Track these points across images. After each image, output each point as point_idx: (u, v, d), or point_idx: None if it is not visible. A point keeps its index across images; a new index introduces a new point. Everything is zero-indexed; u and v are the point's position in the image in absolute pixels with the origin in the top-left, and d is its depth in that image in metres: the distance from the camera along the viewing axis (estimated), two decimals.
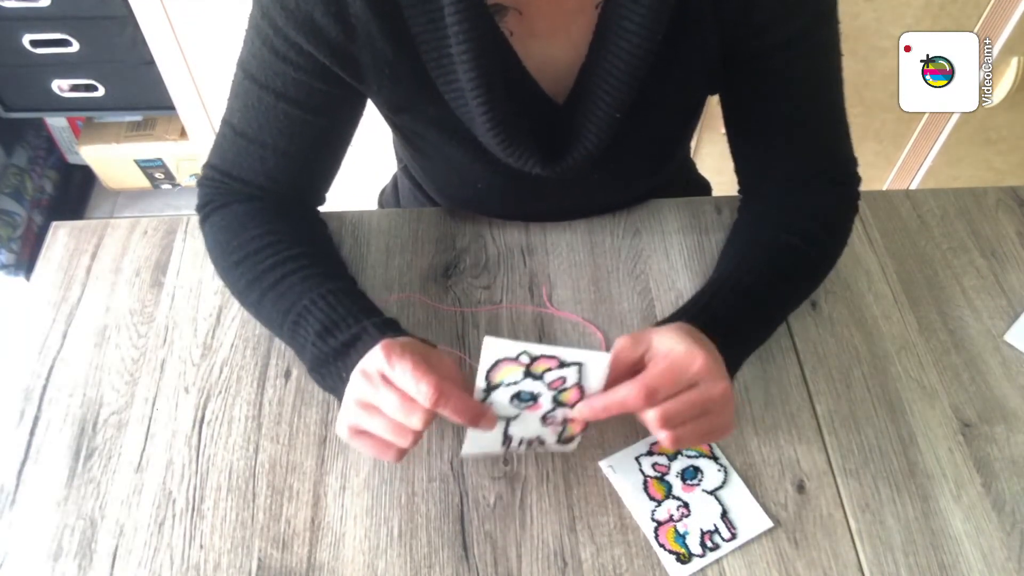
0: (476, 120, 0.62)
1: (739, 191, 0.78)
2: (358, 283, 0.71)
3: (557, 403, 0.56)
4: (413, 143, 0.75)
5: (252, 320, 0.72)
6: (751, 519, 0.61)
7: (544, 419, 0.57)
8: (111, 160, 1.90)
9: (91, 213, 2.01)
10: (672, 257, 0.78)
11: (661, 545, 0.60)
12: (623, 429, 0.66)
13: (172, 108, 1.58)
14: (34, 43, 1.55)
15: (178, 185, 1.98)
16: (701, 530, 0.60)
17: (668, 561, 0.59)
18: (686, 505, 0.62)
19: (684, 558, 0.59)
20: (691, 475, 0.63)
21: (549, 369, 0.54)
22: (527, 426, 0.57)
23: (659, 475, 0.63)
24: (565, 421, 0.57)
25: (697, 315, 0.61)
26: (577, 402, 0.56)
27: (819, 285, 0.72)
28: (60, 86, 1.64)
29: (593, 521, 0.61)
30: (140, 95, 1.66)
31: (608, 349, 0.70)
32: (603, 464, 0.64)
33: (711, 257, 0.78)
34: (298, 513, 0.61)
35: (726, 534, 0.60)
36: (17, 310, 0.73)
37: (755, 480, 0.63)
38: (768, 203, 0.73)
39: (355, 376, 0.55)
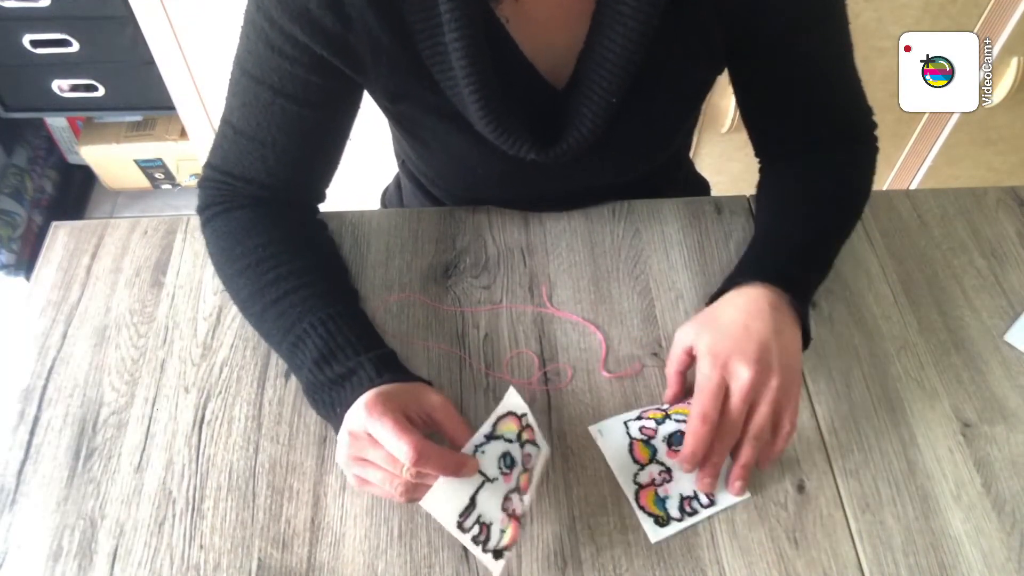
0: (470, 108, 0.63)
1: (756, 155, 0.80)
2: (359, 295, 0.72)
3: (517, 485, 0.57)
4: (412, 132, 0.75)
5: None
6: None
7: (506, 499, 0.57)
8: (111, 160, 1.90)
9: (91, 213, 2.01)
10: (672, 257, 0.78)
11: (641, 507, 0.61)
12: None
13: (172, 108, 1.58)
14: (34, 43, 1.55)
15: (178, 185, 1.98)
16: (681, 495, 0.61)
17: (647, 523, 0.60)
18: (668, 471, 0.63)
19: (662, 521, 0.60)
20: (678, 440, 0.63)
21: (530, 441, 0.58)
22: (490, 502, 0.56)
23: (645, 438, 0.64)
24: (512, 516, 0.56)
25: (758, 273, 0.65)
26: (524, 490, 0.58)
27: (858, 220, 0.75)
28: (60, 86, 1.64)
29: (593, 521, 0.61)
30: (140, 95, 1.67)
31: (607, 350, 0.71)
32: (592, 429, 0.65)
33: (711, 257, 0.78)
34: (298, 513, 0.61)
35: (704, 500, 0.61)
36: (17, 310, 0.73)
37: (755, 480, 0.63)
38: (793, 163, 0.75)
39: (342, 436, 0.56)
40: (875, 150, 0.76)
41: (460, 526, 0.56)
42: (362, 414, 0.54)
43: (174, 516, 0.61)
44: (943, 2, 1.30)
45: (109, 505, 0.62)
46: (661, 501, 0.61)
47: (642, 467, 0.63)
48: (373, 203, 1.06)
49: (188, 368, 0.69)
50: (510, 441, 0.57)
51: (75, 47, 1.56)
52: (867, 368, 0.70)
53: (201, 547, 0.60)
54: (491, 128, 0.64)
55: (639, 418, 0.65)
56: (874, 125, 0.76)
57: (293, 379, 0.69)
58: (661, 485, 0.62)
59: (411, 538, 0.60)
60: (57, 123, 1.91)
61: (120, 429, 0.66)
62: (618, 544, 0.60)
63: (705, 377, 0.60)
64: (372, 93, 0.70)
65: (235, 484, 0.63)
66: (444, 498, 0.56)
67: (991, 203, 0.84)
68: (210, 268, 0.76)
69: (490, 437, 0.56)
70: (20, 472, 0.63)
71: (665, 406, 0.65)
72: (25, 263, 1.77)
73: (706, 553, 0.60)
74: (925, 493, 0.63)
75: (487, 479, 0.56)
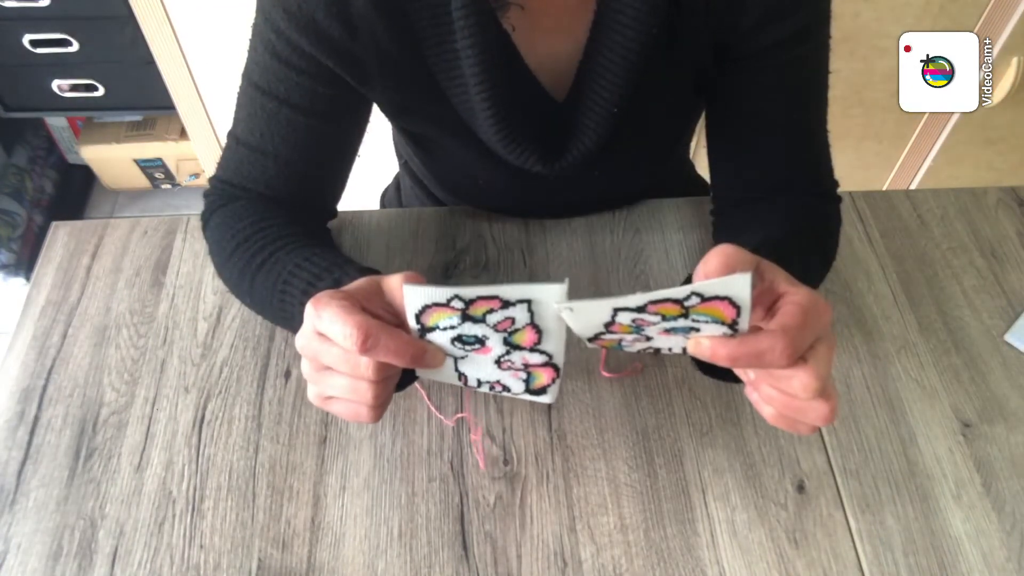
0: (479, 117, 0.62)
1: (712, 210, 0.75)
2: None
3: (511, 346, 0.47)
4: (415, 140, 0.75)
5: (252, 320, 0.72)
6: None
7: (499, 363, 0.48)
8: (111, 160, 1.90)
9: (91, 213, 2.01)
10: (672, 257, 0.78)
11: (590, 342, 0.48)
12: (623, 430, 0.66)
13: (172, 108, 1.58)
14: (34, 43, 1.55)
15: (178, 185, 1.98)
16: (653, 348, 0.49)
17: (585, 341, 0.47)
18: (648, 339, 0.47)
19: (606, 346, 0.49)
20: (682, 331, 0.46)
21: (491, 311, 0.45)
22: (481, 368, 0.49)
23: (636, 327, 0.46)
24: (528, 368, 0.49)
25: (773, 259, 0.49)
26: (535, 344, 0.46)
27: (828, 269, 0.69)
28: (60, 86, 1.64)
29: (593, 521, 0.61)
30: (140, 95, 1.67)
31: (607, 350, 0.70)
32: (558, 305, 0.45)
33: None
34: (298, 513, 0.61)
35: (677, 349, 0.48)
36: (17, 310, 0.73)
37: (755, 480, 0.63)
38: (752, 210, 0.70)
39: (298, 337, 0.49)
40: (840, 219, 0.71)
41: (467, 385, 0.49)
42: (309, 310, 0.46)
43: (174, 516, 0.61)
44: (943, 2, 1.30)
45: (109, 505, 0.62)
46: (619, 346, 0.49)
47: (610, 331, 0.46)
48: (373, 203, 1.06)
49: (188, 368, 0.69)
50: (451, 327, 0.46)
51: (75, 47, 1.56)
52: (867, 368, 0.70)
53: (201, 547, 0.60)
54: (500, 138, 0.63)
55: (641, 310, 0.44)
56: (840, 198, 0.71)
57: (293, 379, 0.69)
58: (630, 344, 0.48)
59: (411, 538, 0.60)
60: (57, 123, 1.91)
61: (120, 429, 0.66)
62: (618, 544, 0.60)
63: (799, 291, 0.45)
64: (378, 105, 0.69)
65: (235, 484, 0.63)
66: (431, 373, 0.50)
67: (991, 203, 0.84)
68: (210, 268, 0.76)
69: (423, 332, 0.47)
70: (20, 472, 0.63)
71: (692, 299, 0.42)
72: (25, 263, 1.77)
73: (706, 553, 0.60)
74: (925, 493, 0.63)
75: (456, 357, 0.49)
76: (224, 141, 0.69)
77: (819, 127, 0.69)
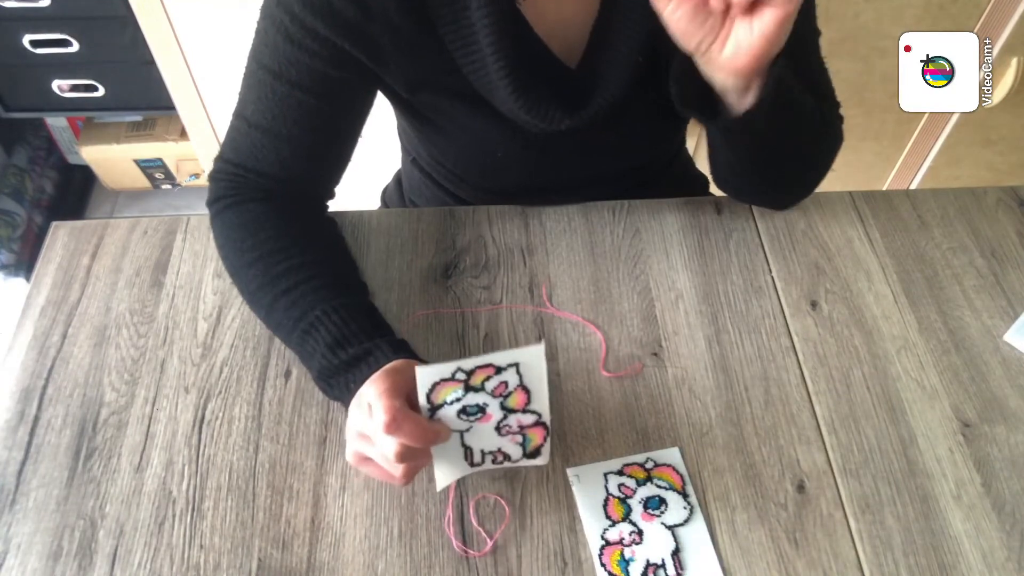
0: (497, 87, 0.64)
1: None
2: (369, 289, 0.72)
3: (507, 410, 0.56)
4: (430, 120, 0.75)
5: (252, 320, 0.72)
6: (704, 565, 0.59)
7: (499, 430, 0.57)
8: (111, 160, 1.90)
9: (91, 213, 2.01)
10: (672, 257, 0.78)
11: (603, 565, 0.59)
12: (623, 430, 0.66)
13: (172, 108, 1.58)
14: (34, 43, 1.55)
15: (178, 185, 1.98)
16: (648, 561, 0.59)
17: None
18: (640, 532, 0.60)
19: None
20: (655, 505, 0.61)
21: (488, 378, 0.54)
22: (483, 438, 0.57)
23: (622, 496, 0.62)
24: (523, 430, 0.57)
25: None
26: (526, 405, 0.56)
27: (821, 154, 0.75)
28: (60, 86, 1.64)
29: None
30: (140, 95, 1.66)
31: (607, 350, 0.71)
32: (570, 472, 0.63)
33: (711, 257, 0.78)
34: (298, 513, 0.61)
35: (671, 572, 0.59)
36: (17, 310, 0.73)
37: (755, 480, 0.63)
38: None
39: (352, 407, 0.57)
40: (841, 137, 0.76)
41: (472, 465, 0.58)
42: (370, 386, 0.55)
43: (174, 516, 0.61)
44: (943, 2, 1.30)
45: (109, 505, 0.62)
46: (625, 562, 0.59)
47: (613, 524, 0.60)
48: (373, 203, 1.06)
49: (188, 368, 0.69)
50: (457, 399, 0.55)
51: (75, 47, 1.56)
52: (867, 368, 0.70)
53: (201, 547, 0.60)
54: (520, 104, 0.64)
55: (620, 472, 0.63)
56: (842, 118, 0.76)
57: (293, 379, 0.69)
58: (629, 546, 0.59)
59: (411, 538, 0.60)
60: (57, 123, 1.91)
61: (120, 429, 0.66)
62: None
63: None
64: (390, 85, 0.70)
65: (235, 484, 0.63)
66: (444, 464, 0.58)
67: (991, 203, 0.84)
68: (210, 268, 0.76)
69: (433, 410, 0.55)
70: (20, 472, 0.63)
71: (649, 463, 0.64)
72: (25, 263, 1.77)
73: None
74: (925, 493, 0.63)
75: (462, 432, 0.57)
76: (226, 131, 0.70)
77: (819, 62, 0.73)
